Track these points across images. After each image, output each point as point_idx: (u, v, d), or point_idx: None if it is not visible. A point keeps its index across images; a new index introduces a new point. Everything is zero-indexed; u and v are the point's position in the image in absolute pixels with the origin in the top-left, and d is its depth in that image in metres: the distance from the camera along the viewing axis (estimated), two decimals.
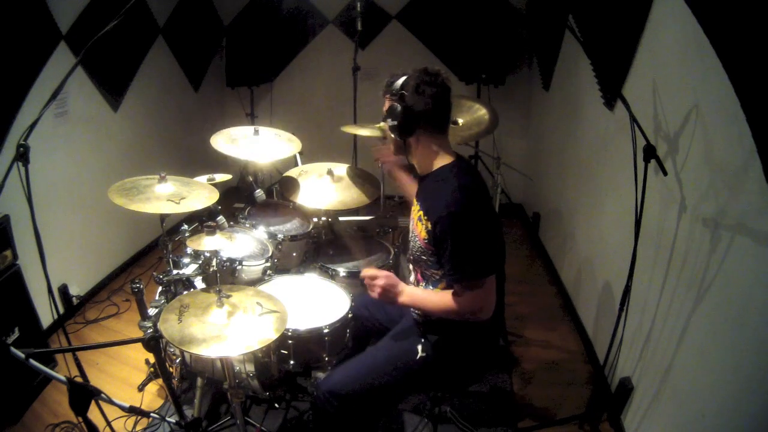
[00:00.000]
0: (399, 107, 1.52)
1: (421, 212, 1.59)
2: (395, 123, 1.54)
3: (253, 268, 2.11)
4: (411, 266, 1.76)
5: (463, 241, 1.47)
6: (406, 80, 1.53)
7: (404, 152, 1.64)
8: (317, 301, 2.00)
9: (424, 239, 1.56)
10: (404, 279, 1.82)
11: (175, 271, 2.03)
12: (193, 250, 2.07)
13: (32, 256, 1.89)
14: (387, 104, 1.59)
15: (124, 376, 2.46)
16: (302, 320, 1.85)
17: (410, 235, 1.70)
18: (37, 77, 2.47)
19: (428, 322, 1.67)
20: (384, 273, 1.63)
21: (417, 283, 1.73)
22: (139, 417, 2.08)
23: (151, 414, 1.88)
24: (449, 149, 1.61)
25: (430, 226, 1.52)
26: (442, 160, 1.58)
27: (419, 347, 1.64)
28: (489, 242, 1.53)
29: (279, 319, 1.59)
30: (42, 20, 2.49)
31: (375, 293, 1.62)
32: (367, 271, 1.64)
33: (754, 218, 1.46)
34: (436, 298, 1.59)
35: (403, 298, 1.62)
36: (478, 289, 1.49)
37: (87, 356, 2.47)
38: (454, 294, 1.53)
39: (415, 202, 1.69)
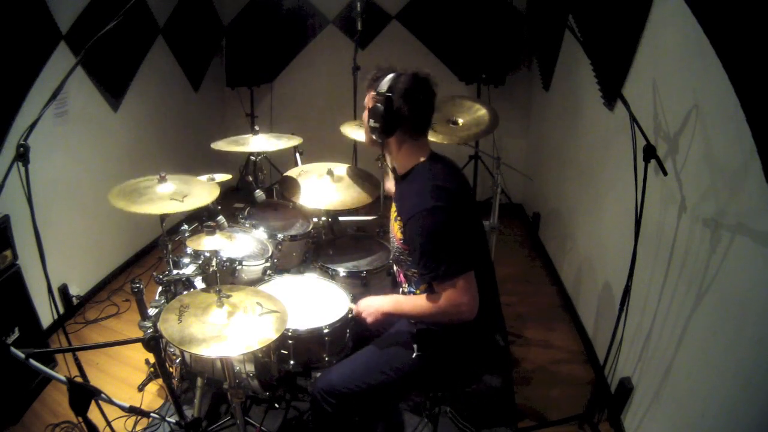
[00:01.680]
0: (382, 109, 1.50)
1: (396, 213, 1.61)
2: (377, 125, 1.53)
3: (253, 268, 2.11)
4: (395, 267, 1.78)
5: (432, 240, 1.48)
6: (393, 82, 1.50)
7: (377, 147, 1.65)
8: (317, 301, 2.00)
9: (400, 239, 1.58)
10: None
11: (175, 271, 2.02)
12: (193, 250, 2.07)
13: (32, 256, 1.89)
14: (369, 99, 1.58)
15: (124, 376, 2.46)
16: (302, 320, 1.85)
17: (390, 235, 1.71)
18: (37, 77, 2.47)
19: (424, 323, 1.67)
20: (359, 303, 1.73)
21: (400, 284, 1.75)
22: (139, 417, 2.08)
23: (151, 414, 1.88)
24: (426, 149, 1.62)
25: (402, 225, 1.54)
26: (417, 160, 1.59)
27: (415, 346, 1.64)
28: (461, 240, 1.51)
29: (279, 319, 1.59)
30: (42, 20, 2.49)
31: (369, 321, 1.68)
32: (355, 313, 1.75)
33: (754, 218, 1.46)
34: (416, 300, 1.60)
35: (386, 308, 1.64)
36: (452, 288, 1.48)
37: (87, 356, 2.47)
38: (431, 295, 1.54)
39: (393, 208, 1.70)
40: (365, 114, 1.64)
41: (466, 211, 1.60)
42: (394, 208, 1.65)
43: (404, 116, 1.52)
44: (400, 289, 1.79)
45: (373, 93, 1.56)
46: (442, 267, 1.47)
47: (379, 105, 1.51)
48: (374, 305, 1.66)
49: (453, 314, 1.52)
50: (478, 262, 1.61)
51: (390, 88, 1.50)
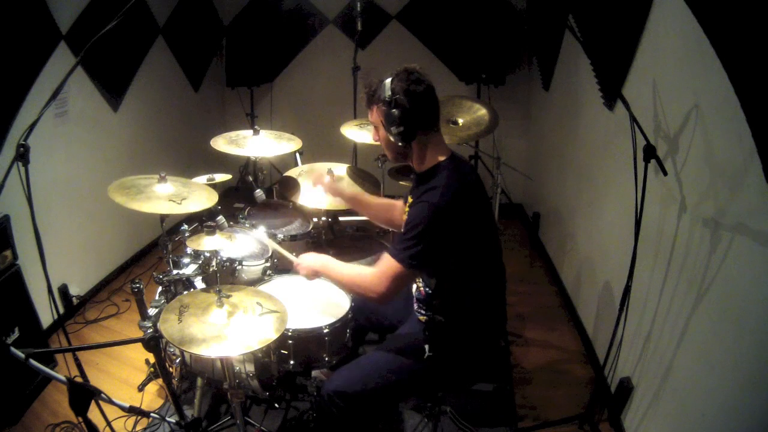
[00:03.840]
0: (397, 112, 1.49)
1: (407, 207, 1.63)
2: (400, 130, 1.51)
3: (253, 268, 2.11)
4: None
5: (413, 228, 1.49)
6: (393, 84, 1.50)
7: (404, 158, 1.64)
8: (317, 301, 2.00)
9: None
10: None
11: (175, 271, 2.02)
12: (193, 250, 2.07)
13: (32, 256, 1.89)
14: (376, 114, 1.58)
15: (124, 376, 2.46)
16: (302, 320, 1.85)
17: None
18: (37, 77, 2.47)
19: (434, 323, 1.67)
20: (301, 256, 1.78)
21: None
22: (139, 417, 2.08)
23: (151, 414, 1.89)
24: (444, 146, 1.62)
25: (407, 211, 1.58)
26: (438, 158, 1.59)
27: (426, 347, 1.63)
28: (436, 245, 1.50)
29: (279, 319, 1.59)
30: (42, 20, 2.49)
31: (301, 271, 1.76)
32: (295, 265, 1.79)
33: (754, 218, 1.46)
34: (348, 266, 1.68)
35: (317, 266, 1.72)
36: (388, 267, 1.52)
37: (87, 356, 2.47)
38: (364, 267, 1.60)
39: (409, 198, 1.71)
40: (379, 131, 1.62)
41: (473, 218, 1.58)
42: (410, 200, 1.66)
43: (416, 113, 1.51)
44: (414, 286, 1.78)
45: (378, 105, 1.55)
46: (399, 247, 1.51)
47: (393, 111, 1.50)
48: (308, 261, 1.74)
49: (369, 289, 1.56)
50: (487, 266, 1.64)
51: (393, 91, 1.50)
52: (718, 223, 1.62)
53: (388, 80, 1.52)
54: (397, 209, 1.99)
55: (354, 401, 1.61)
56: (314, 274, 1.75)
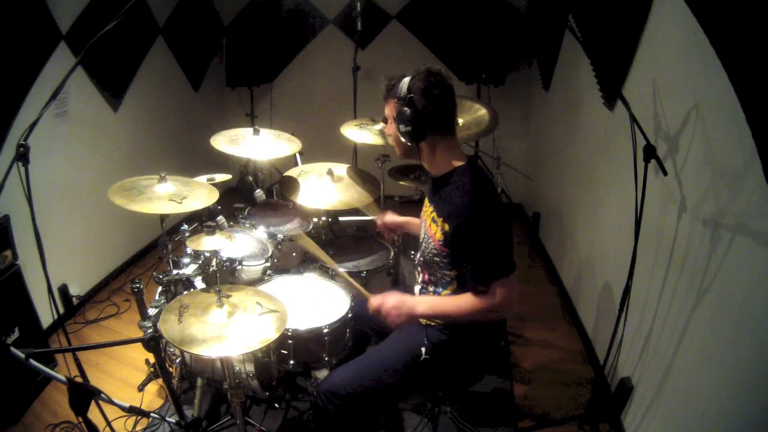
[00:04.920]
0: (409, 111, 1.49)
1: (435, 214, 1.58)
2: (408, 129, 1.51)
3: (253, 268, 2.11)
4: (419, 268, 1.74)
5: (490, 241, 1.49)
6: (411, 83, 1.50)
7: (413, 156, 1.63)
8: (317, 301, 2.00)
9: (439, 240, 1.55)
10: (404, 279, 1.82)
11: (175, 271, 2.03)
12: (193, 250, 2.07)
13: (32, 256, 1.89)
14: (391, 108, 1.58)
15: (124, 376, 2.46)
16: (302, 320, 1.85)
17: (422, 236, 1.68)
18: (37, 77, 2.47)
19: (433, 326, 1.66)
20: (385, 296, 1.59)
21: (425, 285, 1.72)
22: (139, 417, 2.08)
23: (151, 414, 1.89)
24: (460, 151, 1.60)
25: (447, 227, 1.51)
26: (455, 162, 1.57)
27: (423, 349, 1.62)
28: (510, 239, 1.58)
29: (279, 319, 1.59)
30: (42, 20, 2.49)
31: (391, 320, 1.56)
32: (372, 305, 1.60)
33: (754, 218, 1.46)
34: (459, 301, 1.55)
35: (421, 308, 1.56)
36: (506, 285, 1.50)
37: (87, 356, 2.47)
38: (478, 294, 1.51)
39: (427, 203, 1.68)
40: (390, 126, 1.62)
41: (506, 211, 1.63)
42: (430, 209, 1.63)
43: (429, 114, 1.50)
44: (418, 287, 1.76)
45: (393, 100, 1.55)
46: (501, 265, 1.50)
47: (405, 109, 1.49)
48: (407, 305, 1.56)
49: (499, 312, 1.53)
50: None
51: (410, 89, 1.50)
52: (718, 223, 1.62)
53: (408, 78, 1.51)
54: None
55: (349, 401, 1.60)
56: (412, 320, 1.59)
